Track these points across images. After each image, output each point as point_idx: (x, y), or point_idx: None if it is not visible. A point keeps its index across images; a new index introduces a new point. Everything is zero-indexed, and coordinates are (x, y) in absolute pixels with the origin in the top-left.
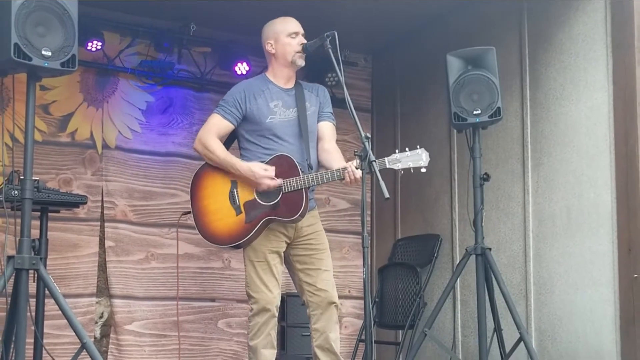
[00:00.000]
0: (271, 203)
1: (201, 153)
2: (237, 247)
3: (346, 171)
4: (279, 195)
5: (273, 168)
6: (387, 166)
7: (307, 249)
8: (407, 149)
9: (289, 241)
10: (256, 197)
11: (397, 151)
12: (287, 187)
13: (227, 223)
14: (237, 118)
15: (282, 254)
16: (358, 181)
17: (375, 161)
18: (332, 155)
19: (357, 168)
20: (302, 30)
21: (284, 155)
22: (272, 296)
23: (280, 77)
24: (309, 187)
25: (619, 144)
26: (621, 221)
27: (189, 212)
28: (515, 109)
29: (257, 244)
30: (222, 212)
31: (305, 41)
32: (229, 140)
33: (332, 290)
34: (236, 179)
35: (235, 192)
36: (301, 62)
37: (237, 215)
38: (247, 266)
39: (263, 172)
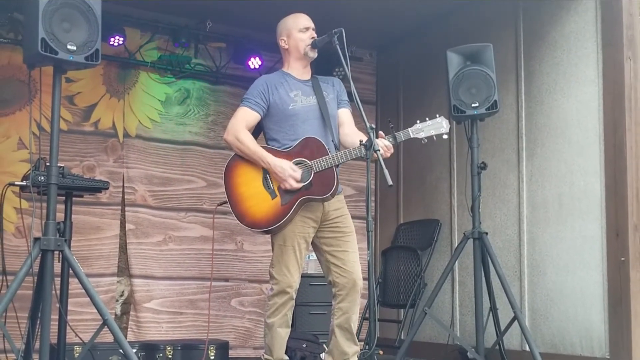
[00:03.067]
0: (304, 183)
1: (232, 144)
2: (268, 231)
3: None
4: (311, 175)
5: (301, 170)
6: (412, 136)
7: (334, 231)
8: (427, 119)
9: (316, 226)
10: None
11: (418, 121)
12: (318, 167)
13: (263, 207)
14: (263, 108)
15: (309, 240)
16: (390, 149)
17: (379, 150)
18: (354, 137)
19: (362, 156)
20: (312, 25)
21: (312, 137)
22: (292, 280)
23: (296, 69)
24: (337, 165)
25: (608, 135)
26: (610, 207)
27: (226, 202)
28: (511, 102)
29: (286, 229)
30: (258, 198)
31: (315, 35)
32: (254, 135)
33: (358, 271)
34: None
35: (269, 177)
36: (313, 54)
37: (272, 199)
38: (275, 249)
39: (291, 171)
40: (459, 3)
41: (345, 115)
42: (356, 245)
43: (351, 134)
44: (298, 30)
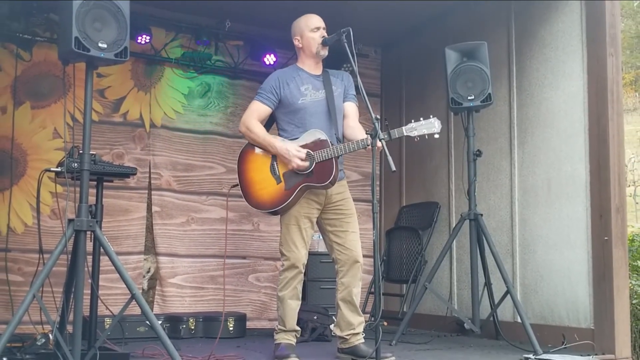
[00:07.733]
0: (306, 172)
1: (245, 134)
2: (275, 213)
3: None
4: (313, 164)
5: (305, 150)
6: (405, 134)
7: (337, 213)
8: (421, 119)
9: (320, 207)
10: None
11: (412, 121)
12: (319, 157)
13: (269, 191)
14: (274, 102)
15: (314, 220)
16: (379, 147)
17: (384, 139)
18: (356, 131)
19: (368, 146)
20: (323, 25)
21: (315, 129)
22: (300, 255)
23: (309, 65)
24: (338, 157)
25: (592, 125)
26: (594, 191)
27: (237, 185)
28: (504, 95)
29: (292, 209)
30: (265, 182)
31: (326, 34)
32: (267, 124)
33: (358, 249)
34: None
35: (275, 164)
36: (324, 52)
37: (277, 184)
38: (282, 228)
39: (295, 152)
40: (456, 4)
41: (350, 108)
42: (357, 226)
43: (354, 127)
44: (310, 30)
